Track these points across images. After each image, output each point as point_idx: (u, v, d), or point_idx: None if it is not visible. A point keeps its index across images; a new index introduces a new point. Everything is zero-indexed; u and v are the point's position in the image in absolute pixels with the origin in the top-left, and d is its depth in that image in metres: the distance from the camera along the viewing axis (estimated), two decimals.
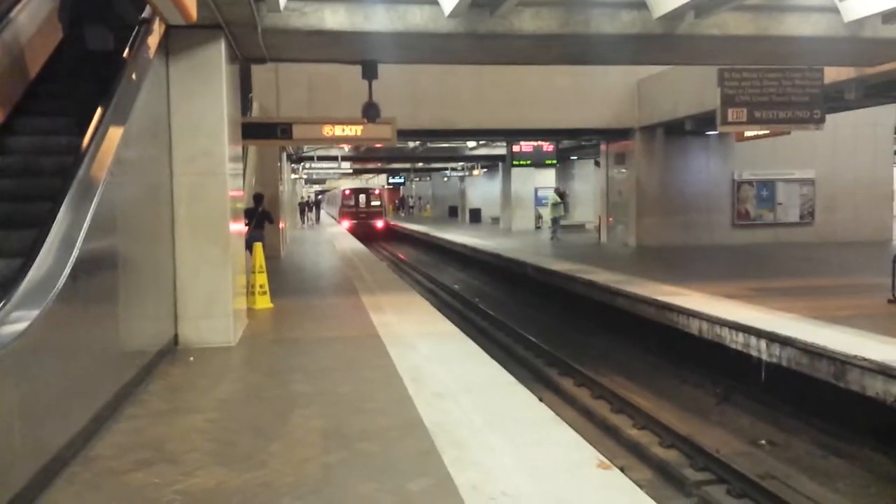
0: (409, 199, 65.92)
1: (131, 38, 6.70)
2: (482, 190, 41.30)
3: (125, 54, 6.44)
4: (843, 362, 7.28)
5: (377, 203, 38.69)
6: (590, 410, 9.03)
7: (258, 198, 12.69)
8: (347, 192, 39.58)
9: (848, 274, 13.10)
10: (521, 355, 12.10)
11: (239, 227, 8.53)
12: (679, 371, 10.41)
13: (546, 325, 14.50)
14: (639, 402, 9.11)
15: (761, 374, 8.52)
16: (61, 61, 6.95)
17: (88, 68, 6.34)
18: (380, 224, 38.10)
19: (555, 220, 24.63)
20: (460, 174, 41.73)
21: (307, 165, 34.23)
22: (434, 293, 19.45)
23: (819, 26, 8.92)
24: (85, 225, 4.68)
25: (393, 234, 38.40)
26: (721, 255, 17.61)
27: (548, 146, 25.68)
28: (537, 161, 26.10)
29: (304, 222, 37.68)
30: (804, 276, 13.07)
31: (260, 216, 12.31)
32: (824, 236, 20.74)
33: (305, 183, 55.00)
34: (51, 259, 4.26)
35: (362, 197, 38.72)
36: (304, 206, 40.97)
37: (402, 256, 29.57)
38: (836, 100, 13.73)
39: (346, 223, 37.17)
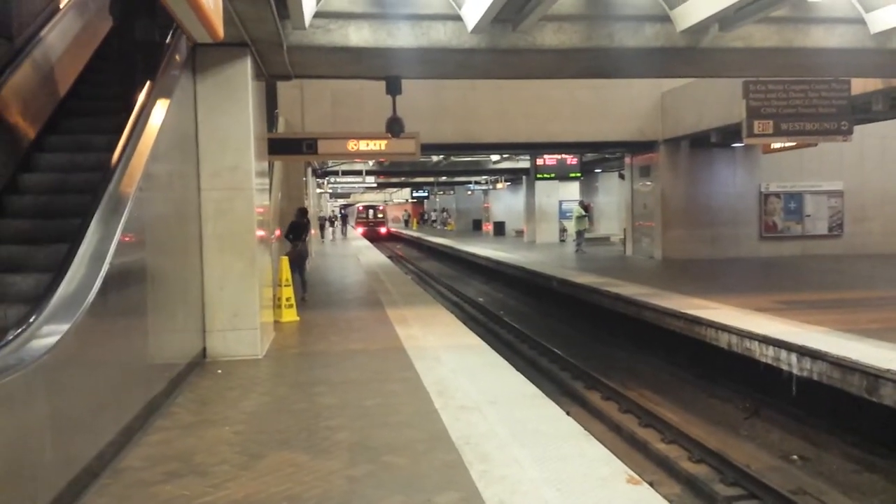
0: (432, 213, 66.24)
1: (160, 55, 6.83)
2: (506, 203, 41.39)
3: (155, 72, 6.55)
4: (875, 376, 7.12)
5: (381, 216, 55.18)
6: (618, 424, 8.93)
7: (303, 212, 12.77)
8: (361, 207, 56.69)
9: (879, 286, 12.89)
10: (547, 368, 12.03)
11: (265, 240, 8.57)
12: (708, 385, 10.29)
13: (572, 338, 14.40)
14: (667, 416, 8.99)
15: (792, 388, 8.35)
16: (112, 46, 7.53)
17: (138, 55, 6.82)
18: (383, 230, 53.93)
19: (579, 233, 24.54)
20: (484, 188, 41.82)
21: (332, 180, 34.54)
22: (459, 306, 19.45)
23: (845, 38, 8.82)
24: (115, 239, 4.71)
25: (416, 246, 42.86)
26: (749, 267, 17.42)
27: (572, 159, 25.65)
28: (561, 174, 26.09)
29: (324, 238, 37.81)
30: (834, 288, 12.87)
31: (305, 229, 12.46)
32: (853, 248, 20.43)
33: (330, 197, 55.41)
34: (81, 272, 4.30)
35: (371, 211, 55.53)
36: (326, 221, 40.89)
37: (424, 267, 29.76)
38: (864, 111, 13.56)
39: (361, 229, 52.83)
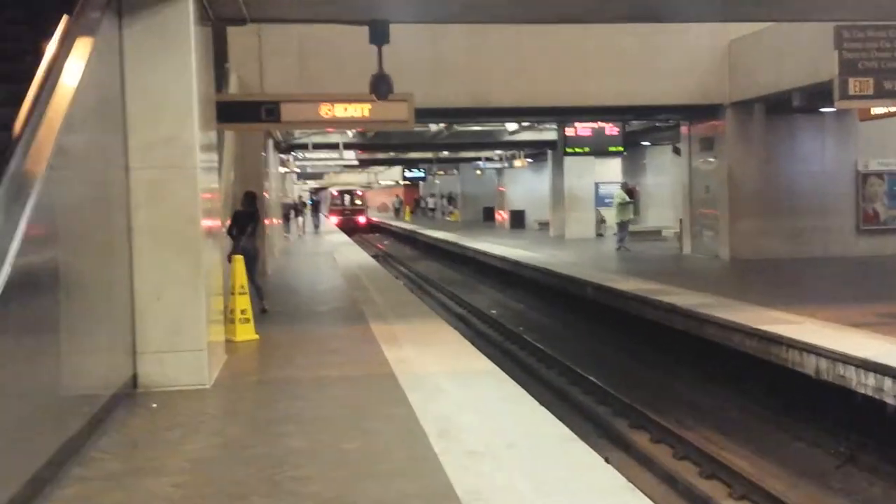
0: (429, 200, 66.60)
1: None
2: (526, 186, 41.62)
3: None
4: None
5: (360, 202, 58.82)
6: (672, 474, 8.98)
7: (251, 196, 12.89)
8: (335, 192, 59.65)
9: None
10: (581, 401, 12.10)
11: (214, 234, 8.62)
12: (790, 423, 10.33)
13: (612, 361, 14.48)
14: (737, 463, 9.03)
15: None
16: None
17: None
18: (362, 220, 57.53)
19: (622, 225, 24.63)
20: (497, 166, 41.99)
21: (300, 156, 34.51)
22: (465, 320, 19.62)
23: None
24: (17, 234, 4.69)
25: (409, 242, 44.92)
26: (842, 269, 17.47)
27: (611, 128, 25.67)
28: (598, 148, 26.11)
29: (289, 231, 37.75)
30: None
31: (253, 221, 12.55)
32: None
33: (298, 178, 55.59)
34: None
35: (347, 197, 58.33)
36: (292, 210, 40.65)
37: (421, 271, 29.97)
38: None
39: (335, 219, 55.57)
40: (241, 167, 17.04)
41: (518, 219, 40.94)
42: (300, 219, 40.94)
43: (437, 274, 29.83)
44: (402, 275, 29.74)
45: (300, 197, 53.34)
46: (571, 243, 27.89)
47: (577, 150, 26.09)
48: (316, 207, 46.98)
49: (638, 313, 14.34)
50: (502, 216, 43.72)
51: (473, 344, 10.09)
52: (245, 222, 12.15)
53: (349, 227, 51.26)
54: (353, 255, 25.67)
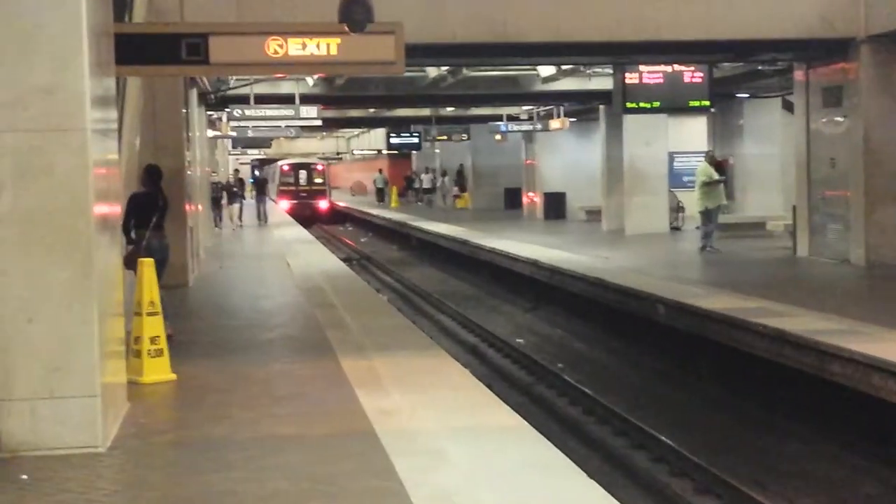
0: (424, 178, 66.19)
1: None
2: (568, 158, 41.48)
3: None
4: None
5: (320, 181, 59.67)
6: None
7: (153, 173, 12.95)
8: (286, 167, 60.92)
9: None
10: (647, 470, 12.00)
11: (112, 227, 8.58)
12: None
13: (694, 413, 14.39)
14: None
15: None
16: None
17: None
18: (323, 205, 58.85)
19: (707, 215, 24.51)
20: (526, 128, 41.73)
21: (238, 113, 34.21)
22: (478, 353, 19.56)
23: None
24: None
25: (396, 238, 45.52)
26: None
27: (692, 74, 25.60)
28: (673, 102, 26.01)
29: (220, 222, 37.65)
30: None
31: (159, 208, 12.72)
32: None
33: (234, 147, 55.87)
34: None
35: (303, 173, 59.43)
36: (223, 192, 40.43)
37: (413, 281, 29.71)
38: None
39: (285, 203, 57.35)
40: (152, 130, 17.23)
41: (556, 205, 40.75)
42: (235, 205, 40.60)
43: (437, 285, 29.69)
44: (386, 287, 29.62)
45: (236, 172, 52.96)
46: (634, 241, 27.82)
47: (643, 105, 25.95)
48: (261, 187, 45.88)
49: (730, 343, 14.24)
50: (533, 201, 43.70)
51: (491, 388, 10.16)
52: (147, 211, 12.25)
53: (305, 215, 52.55)
54: (315, 257, 25.64)
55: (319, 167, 61.61)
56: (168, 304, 11.90)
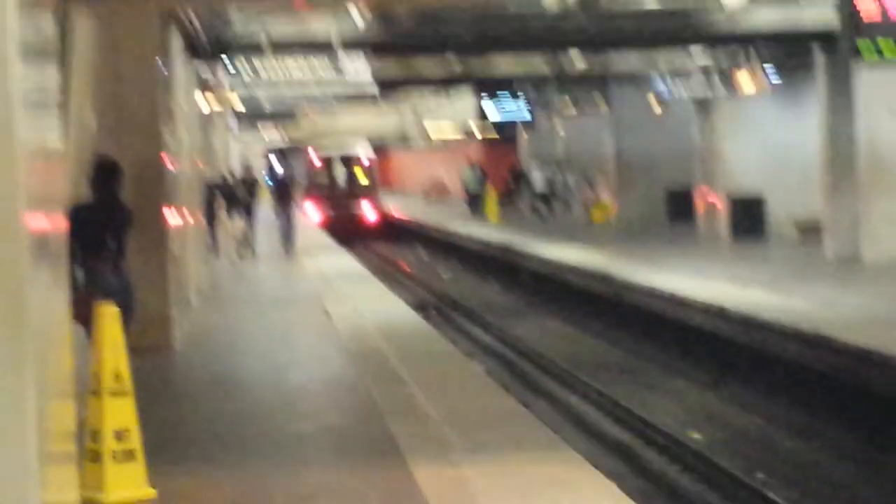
0: (535, 176, 47.96)
1: None
2: (768, 140, 32.81)
3: None
4: None
5: (366, 180, 50.28)
6: None
7: (107, 169, 11.24)
8: (316, 161, 51.45)
9: None
10: None
11: (55, 253, 7.11)
12: None
13: None
14: None
15: None
16: None
17: None
18: (369, 215, 49.34)
19: None
20: (698, 93, 34.37)
21: (244, 70, 28.31)
22: (630, 455, 16.29)
23: None
24: None
25: (501, 274, 36.21)
26: None
27: None
28: None
29: (216, 244, 29.68)
30: None
31: (117, 224, 11.08)
32: None
33: (240, 120, 45.79)
34: None
35: (340, 169, 50.38)
36: (218, 194, 30.04)
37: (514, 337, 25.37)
38: None
39: (314, 211, 49.01)
40: (113, 100, 15.11)
41: (748, 215, 32.25)
42: (236, 218, 30.80)
43: (564, 346, 24.56)
44: (484, 350, 24.74)
45: (247, 168, 37.11)
46: (879, 275, 23.04)
47: (887, 51, 22.88)
48: (282, 193, 33.18)
49: None
50: (713, 208, 34.94)
51: None
52: (98, 230, 10.72)
53: (344, 229, 44.64)
54: (370, 302, 21.39)
55: (364, 160, 51.94)
56: (141, 379, 10.12)
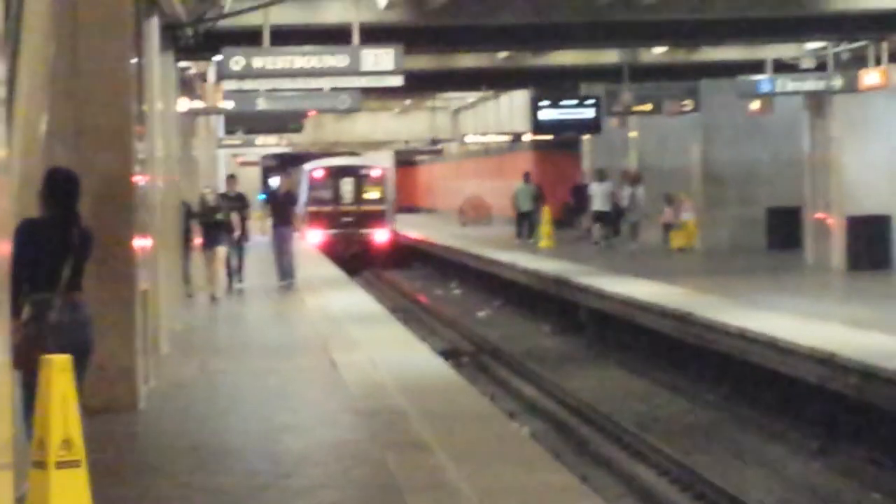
0: (596, 191, 40.53)
1: None
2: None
3: None
4: None
5: (376, 195, 44.84)
6: None
7: (63, 183, 10.19)
8: (318, 172, 46.30)
9: None
10: None
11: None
12: None
13: None
14: None
15: None
16: None
17: None
18: (379, 236, 43.95)
19: None
20: (809, 87, 30.05)
21: (239, 63, 25.03)
22: None
23: None
24: None
25: (552, 313, 32.74)
26: None
27: None
28: None
29: (189, 276, 25.52)
30: None
31: (74, 249, 9.97)
32: None
33: (227, 128, 39.14)
34: None
35: (347, 183, 45.07)
36: (198, 219, 25.90)
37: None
38: None
39: (316, 233, 43.80)
40: (72, 99, 13.55)
41: (872, 240, 29.11)
42: (221, 247, 26.57)
43: (631, 403, 21.90)
44: (529, 408, 22.02)
45: (231, 179, 31.79)
46: None
47: None
48: (281, 212, 29.42)
49: None
50: (827, 231, 30.95)
51: None
52: (51, 257, 9.79)
53: (349, 254, 41.31)
54: (386, 350, 19.02)
55: (374, 172, 46.65)
56: (97, 447, 9.55)
